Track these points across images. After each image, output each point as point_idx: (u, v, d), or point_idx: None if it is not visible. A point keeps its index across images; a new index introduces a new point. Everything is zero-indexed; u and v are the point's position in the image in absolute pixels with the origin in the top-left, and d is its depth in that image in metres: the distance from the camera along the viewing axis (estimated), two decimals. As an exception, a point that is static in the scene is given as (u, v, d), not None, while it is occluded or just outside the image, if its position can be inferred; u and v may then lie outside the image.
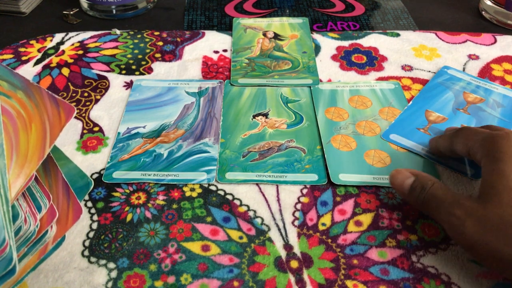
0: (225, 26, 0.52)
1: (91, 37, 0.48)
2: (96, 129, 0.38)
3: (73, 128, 0.38)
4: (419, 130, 0.37)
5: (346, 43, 0.48)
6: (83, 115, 0.39)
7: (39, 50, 0.46)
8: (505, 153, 0.27)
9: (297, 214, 0.31)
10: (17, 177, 0.24)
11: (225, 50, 0.47)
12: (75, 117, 0.39)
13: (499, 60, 0.46)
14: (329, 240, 0.30)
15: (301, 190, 0.33)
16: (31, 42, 0.47)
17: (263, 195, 0.33)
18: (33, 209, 0.26)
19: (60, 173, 0.29)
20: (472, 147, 0.30)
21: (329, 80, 0.43)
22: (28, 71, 0.43)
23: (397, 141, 0.36)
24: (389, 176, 0.31)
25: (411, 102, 0.40)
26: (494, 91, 0.41)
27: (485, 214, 0.25)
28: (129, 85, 0.42)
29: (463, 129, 0.32)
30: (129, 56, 0.46)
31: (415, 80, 0.43)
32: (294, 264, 0.28)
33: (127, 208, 0.32)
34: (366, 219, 0.31)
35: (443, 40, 0.48)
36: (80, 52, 0.46)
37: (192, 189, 0.33)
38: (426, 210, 0.29)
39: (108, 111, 0.39)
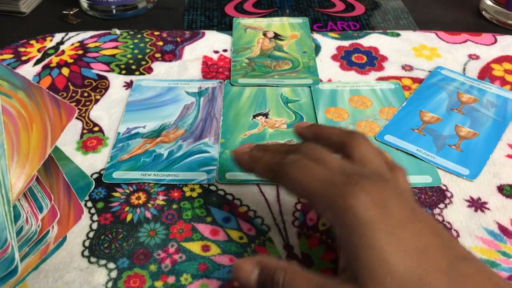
0: (225, 26, 0.52)
1: (91, 37, 0.48)
2: (96, 129, 0.38)
3: (73, 128, 0.38)
4: (413, 131, 0.37)
5: (346, 43, 0.48)
6: (83, 115, 0.39)
7: (39, 50, 0.46)
8: (366, 222, 0.20)
9: (297, 214, 0.31)
10: (18, 177, 0.24)
11: (225, 50, 0.47)
12: (75, 117, 0.39)
13: (499, 60, 0.46)
14: (329, 240, 0.30)
15: (301, 190, 0.33)
16: (31, 42, 0.47)
17: (263, 195, 0.33)
18: (34, 209, 0.25)
19: (61, 173, 0.29)
20: (314, 205, 0.23)
21: (329, 80, 0.43)
22: (28, 71, 0.43)
23: (392, 142, 0.36)
24: (231, 270, 0.26)
25: (405, 103, 0.40)
26: (488, 91, 0.41)
27: None
28: (129, 85, 0.42)
29: (276, 169, 0.24)
30: (129, 56, 0.46)
31: (415, 80, 0.43)
32: (294, 264, 0.28)
33: (127, 208, 0.31)
34: (366, 219, 0.31)
35: (443, 40, 0.48)
36: (80, 52, 0.46)
37: (192, 189, 0.33)
38: None
39: (108, 111, 0.39)
